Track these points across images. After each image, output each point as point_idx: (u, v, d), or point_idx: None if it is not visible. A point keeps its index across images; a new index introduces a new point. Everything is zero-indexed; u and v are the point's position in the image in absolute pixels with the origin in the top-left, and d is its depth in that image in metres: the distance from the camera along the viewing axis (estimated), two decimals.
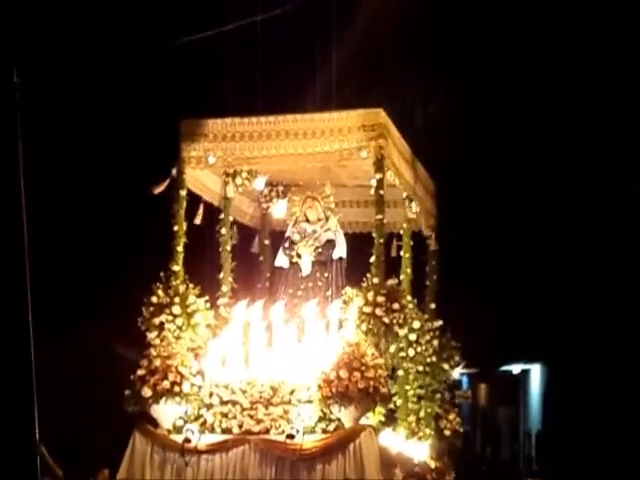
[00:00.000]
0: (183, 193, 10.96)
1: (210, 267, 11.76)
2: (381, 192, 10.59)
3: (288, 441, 9.73)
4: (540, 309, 18.38)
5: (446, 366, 12.27)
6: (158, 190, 10.95)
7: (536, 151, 15.81)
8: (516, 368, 24.94)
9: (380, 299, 10.27)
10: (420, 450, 11.79)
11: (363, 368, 9.83)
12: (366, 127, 10.57)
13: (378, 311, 10.25)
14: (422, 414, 12.13)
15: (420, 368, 12.07)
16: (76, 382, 15.17)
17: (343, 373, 9.79)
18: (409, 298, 11.26)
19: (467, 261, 13.96)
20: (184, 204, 10.94)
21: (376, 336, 10.30)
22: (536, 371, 24.36)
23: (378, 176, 10.59)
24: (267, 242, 12.60)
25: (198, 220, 11.32)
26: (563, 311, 18.17)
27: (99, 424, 14.77)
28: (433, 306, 12.54)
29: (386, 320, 10.26)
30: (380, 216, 10.58)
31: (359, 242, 12.47)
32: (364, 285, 10.46)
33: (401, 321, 10.37)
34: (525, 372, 25.00)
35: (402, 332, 10.53)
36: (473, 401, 24.57)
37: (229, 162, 11.02)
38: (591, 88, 14.91)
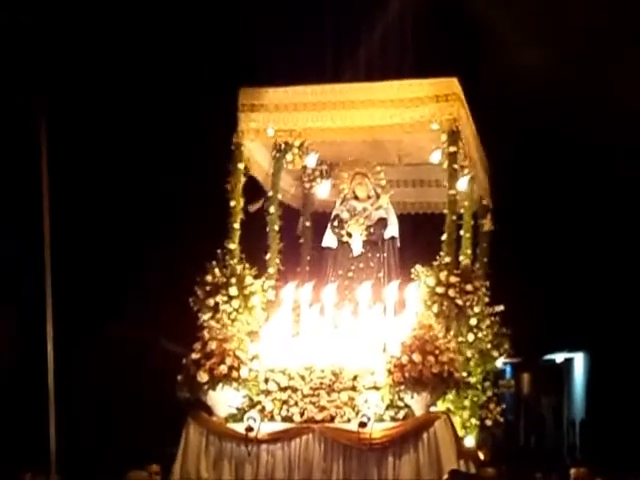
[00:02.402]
0: (241, 167, 10.24)
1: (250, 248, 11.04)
2: (455, 166, 9.98)
3: (360, 430, 9.06)
4: (583, 297, 17.85)
5: (495, 354, 11.64)
6: (254, 209, 10.41)
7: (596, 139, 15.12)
8: (559, 357, 24.45)
9: (453, 279, 9.67)
10: (468, 441, 11.19)
11: (437, 352, 9.23)
12: (439, 97, 9.92)
13: (451, 292, 9.65)
14: (467, 403, 11.49)
15: (469, 355, 11.43)
16: (107, 378, 14.51)
17: (416, 357, 9.19)
18: None
19: (509, 247, 13.28)
20: (242, 178, 10.22)
21: (447, 319, 9.69)
22: (579, 360, 23.88)
23: (452, 149, 9.96)
24: (308, 224, 11.85)
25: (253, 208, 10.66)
26: (607, 299, 17.64)
27: (135, 420, 14.12)
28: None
29: (459, 302, 9.67)
30: (453, 192, 9.97)
31: (406, 223, 11.86)
32: (435, 264, 9.84)
33: (474, 303, 9.77)
34: (568, 361, 24.50)
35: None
36: (516, 390, 24.12)
37: (287, 134, 10.29)
38: None
